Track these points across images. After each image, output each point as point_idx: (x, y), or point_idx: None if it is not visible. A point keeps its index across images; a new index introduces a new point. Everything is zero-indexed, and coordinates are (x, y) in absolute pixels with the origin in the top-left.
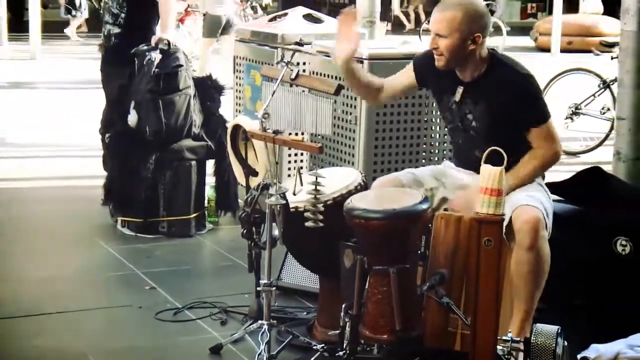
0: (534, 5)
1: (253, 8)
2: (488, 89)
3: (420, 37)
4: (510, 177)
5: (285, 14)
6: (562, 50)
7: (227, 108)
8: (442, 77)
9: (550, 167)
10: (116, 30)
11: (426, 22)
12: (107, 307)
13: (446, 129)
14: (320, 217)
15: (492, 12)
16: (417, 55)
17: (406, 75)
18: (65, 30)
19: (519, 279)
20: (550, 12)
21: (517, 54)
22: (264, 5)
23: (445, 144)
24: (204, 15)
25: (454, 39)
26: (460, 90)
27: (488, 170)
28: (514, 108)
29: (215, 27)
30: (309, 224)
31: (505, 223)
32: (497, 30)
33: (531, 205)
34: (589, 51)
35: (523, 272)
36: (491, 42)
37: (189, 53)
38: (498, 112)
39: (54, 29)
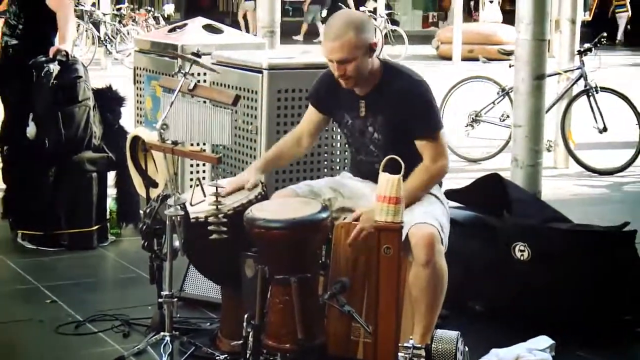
0: (435, 14)
1: (155, 18)
2: (386, 99)
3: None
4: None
5: (185, 25)
6: (464, 59)
7: (128, 119)
8: (339, 96)
9: (438, 181)
10: (13, 41)
11: None
12: (7, 321)
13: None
14: (224, 228)
15: (397, 23)
16: (309, 91)
17: (313, 115)
18: None
19: (417, 294)
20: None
21: (419, 63)
22: (166, 15)
23: (346, 153)
24: None
25: (359, 58)
26: (362, 104)
27: (386, 179)
28: (408, 116)
29: None
30: (213, 236)
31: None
32: (399, 39)
33: (426, 222)
34: (491, 59)
35: (421, 287)
36: (394, 50)
37: None
38: (397, 121)
39: None
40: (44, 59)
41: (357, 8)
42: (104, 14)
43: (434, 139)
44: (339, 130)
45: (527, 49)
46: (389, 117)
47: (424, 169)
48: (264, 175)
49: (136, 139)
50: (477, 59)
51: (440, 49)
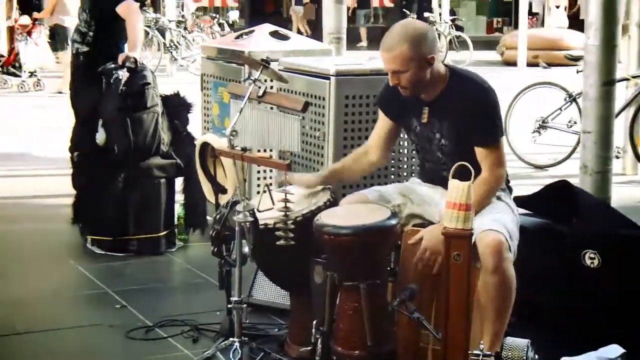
0: (499, 19)
1: (220, 25)
2: (452, 104)
3: None
4: None
5: (252, 31)
6: (529, 64)
7: (195, 126)
8: (406, 102)
9: (497, 190)
10: (84, 48)
11: None
12: (78, 326)
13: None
14: (291, 234)
15: (461, 28)
16: (377, 97)
17: (383, 122)
18: None
19: (486, 301)
20: (516, 27)
21: (483, 69)
22: (230, 22)
23: (413, 159)
24: (54, 27)
25: (413, 70)
26: (425, 110)
27: (456, 185)
28: (473, 122)
29: (64, 39)
30: (280, 242)
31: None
32: (464, 45)
33: (494, 229)
34: (556, 65)
35: (489, 295)
36: (458, 56)
37: (38, 64)
38: (463, 128)
39: None
40: (113, 65)
41: (420, 15)
42: (170, 21)
43: (495, 148)
44: (404, 136)
45: (596, 55)
46: (455, 124)
47: (482, 181)
48: (322, 184)
49: (205, 145)
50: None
51: (505, 54)
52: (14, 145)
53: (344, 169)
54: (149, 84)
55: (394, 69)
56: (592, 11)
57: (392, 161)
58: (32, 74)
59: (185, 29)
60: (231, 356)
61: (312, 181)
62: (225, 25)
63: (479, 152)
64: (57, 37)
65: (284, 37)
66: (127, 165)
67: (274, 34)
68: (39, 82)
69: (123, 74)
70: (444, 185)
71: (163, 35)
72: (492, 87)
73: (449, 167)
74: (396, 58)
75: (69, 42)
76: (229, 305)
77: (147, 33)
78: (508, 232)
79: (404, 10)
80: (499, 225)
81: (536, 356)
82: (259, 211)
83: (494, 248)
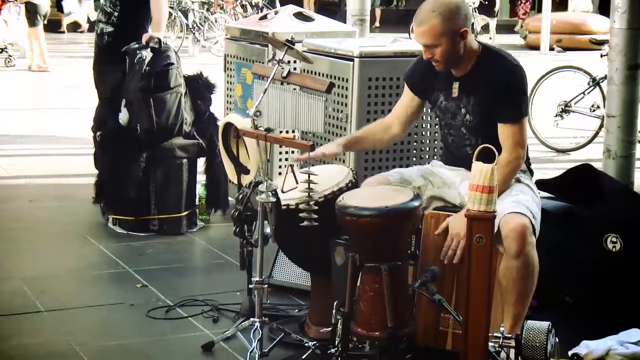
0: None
1: (243, 6)
2: (481, 81)
3: (410, 35)
4: None
5: (276, 13)
6: (552, 48)
7: (217, 106)
8: (436, 78)
9: (517, 170)
10: (109, 28)
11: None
12: (99, 304)
13: (437, 126)
14: (315, 216)
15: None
16: (406, 72)
17: (407, 98)
18: None
19: (507, 285)
20: (540, 10)
21: None
22: (253, 3)
23: (435, 142)
24: (25, 4)
25: (445, 44)
26: (455, 85)
27: (479, 168)
28: (499, 98)
29: (35, 16)
30: (304, 223)
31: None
32: (486, 28)
33: (517, 212)
34: (580, 49)
35: (512, 278)
36: (481, 40)
37: (9, 41)
38: (490, 104)
39: None
40: (137, 45)
41: None
42: (192, 2)
43: (518, 126)
44: (429, 119)
45: (621, 38)
46: (483, 99)
47: (504, 161)
48: (345, 151)
49: (228, 125)
50: (565, 49)
51: (528, 38)
52: (39, 124)
53: (364, 138)
54: (173, 64)
55: (427, 43)
56: None
57: (415, 143)
58: (2, 51)
59: (208, 10)
60: (251, 336)
61: (333, 150)
62: (248, 6)
63: (502, 128)
64: (30, 15)
65: (308, 19)
66: (149, 145)
67: (298, 15)
68: (10, 59)
69: (147, 54)
70: (466, 162)
71: (186, 16)
72: (522, 66)
73: (471, 144)
74: (428, 32)
75: (39, 19)
76: (250, 286)
77: (170, 14)
78: (531, 213)
79: None
80: (522, 208)
81: (556, 339)
82: (282, 192)
83: (519, 232)
